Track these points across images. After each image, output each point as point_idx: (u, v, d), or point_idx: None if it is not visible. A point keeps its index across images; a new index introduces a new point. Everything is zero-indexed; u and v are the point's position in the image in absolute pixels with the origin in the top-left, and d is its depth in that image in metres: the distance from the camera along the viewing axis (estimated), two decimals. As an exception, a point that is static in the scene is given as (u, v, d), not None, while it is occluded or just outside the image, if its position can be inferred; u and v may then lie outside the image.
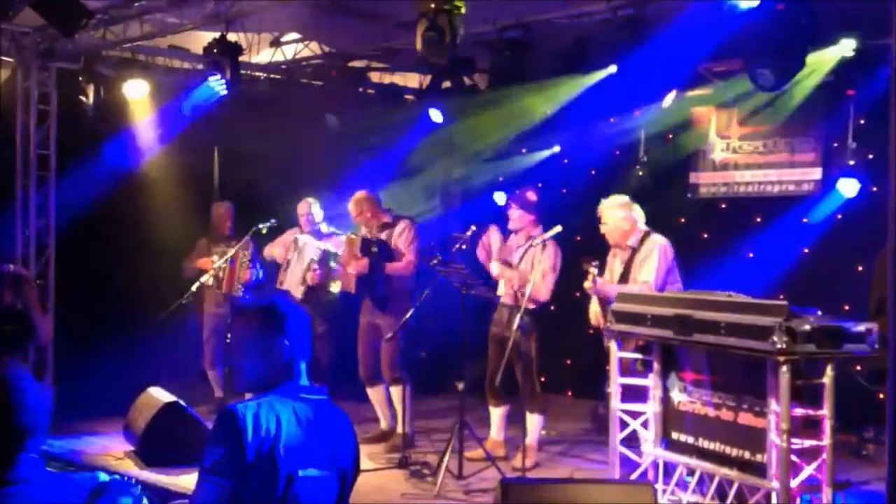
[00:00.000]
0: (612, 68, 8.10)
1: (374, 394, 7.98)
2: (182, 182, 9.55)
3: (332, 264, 8.08)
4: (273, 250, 8.48)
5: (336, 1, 7.48)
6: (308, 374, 3.16)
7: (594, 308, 6.82)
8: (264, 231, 8.49)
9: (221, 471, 2.90)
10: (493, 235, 7.51)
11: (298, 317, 3.19)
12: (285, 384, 3.10)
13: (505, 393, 7.39)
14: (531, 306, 7.01)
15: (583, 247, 7.01)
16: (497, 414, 7.53)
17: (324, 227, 8.38)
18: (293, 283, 8.11)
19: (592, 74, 8.51)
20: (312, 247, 8.13)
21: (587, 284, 6.54)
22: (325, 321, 8.13)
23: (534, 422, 7.32)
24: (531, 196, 7.43)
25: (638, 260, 6.62)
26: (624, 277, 6.65)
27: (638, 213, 6.76)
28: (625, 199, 6.81)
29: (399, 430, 7.64)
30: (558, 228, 6.84)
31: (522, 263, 7.24)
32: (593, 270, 6.47)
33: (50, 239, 8.96)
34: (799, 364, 5.11)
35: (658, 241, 6.63)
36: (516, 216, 7.40)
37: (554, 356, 8.95)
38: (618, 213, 6.71)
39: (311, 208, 8.33)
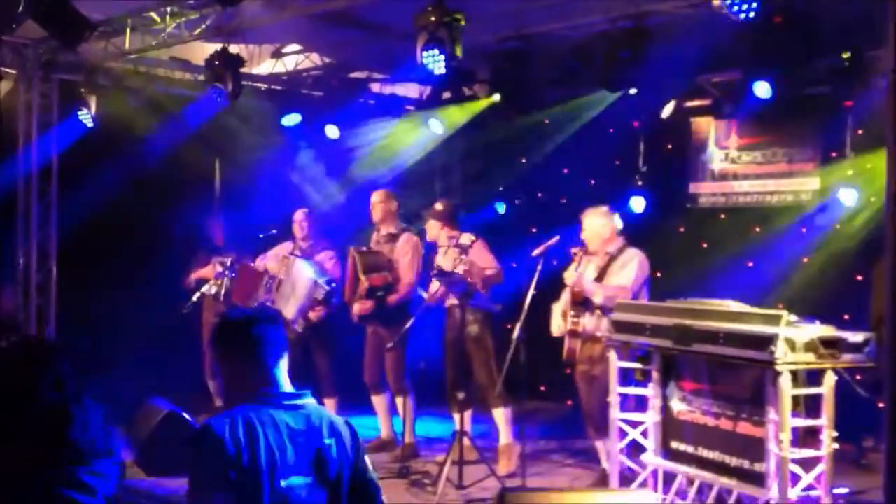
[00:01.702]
0: (612, 79, 8.14)
1: (379, 402, 8.00)
2: (183, 193, 9.59)
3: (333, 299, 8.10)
4: (267, 263, 8.48)
5: (337, 12, 7.52)
6: (290, 380, 3.10)
7: (556, 319, 6.87)
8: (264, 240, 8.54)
9: (207, 488, 2.90)
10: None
11: (268, 323, 3.12)
12: (262, 392, 3.03)
13: (471, 398, 7.50)
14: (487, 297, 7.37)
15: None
16: (464, 419, 7.54)
17: (315, 228, 8.38)
18: (288, 310, 7.94)
19: (591, 85, 8.56)
20: (308, 274, 8.04)
21: (568, 273, 6.64)
22: (322, 340, 8.18)
23: (502, 416, 7.36)
24: (439, 206, 7.76)
25: (616, 266, 6.74)
26: (598, 281, 6.73)
27: (616, 222, 6.89)
28: (604, 208, 6.95)
29: (407, 439, 7.67)
30: (556, 239, 6.88)
31: (458, 264, 7.31)
32: (580, 255, 6.66)
33: (52, 250, 8.99)
34: (798, 374, 5.14)
35: (638, 253, 6.78)
36: (429, 228, 7.70)
37: (554, 366, 8.95)
38: (598, 221, 6.86)
39: (306, 217, 8.35)
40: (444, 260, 7.49)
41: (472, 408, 7.60)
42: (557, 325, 6.88)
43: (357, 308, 7.77)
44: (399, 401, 7.79)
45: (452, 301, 7.41)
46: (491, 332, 7.46)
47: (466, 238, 7.38)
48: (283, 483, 2.94)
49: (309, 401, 3.11)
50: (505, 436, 7.39)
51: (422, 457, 7.82)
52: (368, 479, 3.15)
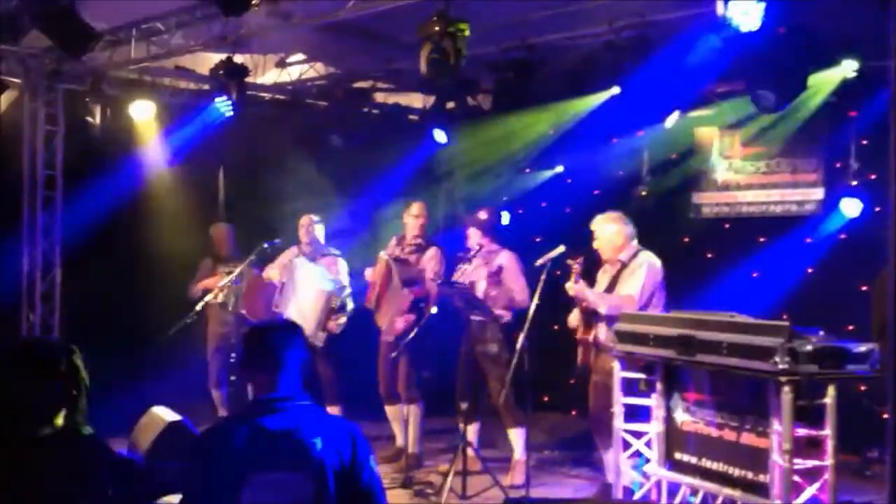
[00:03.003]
0: (616, 89, 8.17)
1: (393, 412, 8.00)
2: (188, 202, 9.61)
3: (350, 306, 8.13)
4: (271, 273, 8.50)
5: (341, 22, 7.54)
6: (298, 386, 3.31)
7: (574, 314, 6.84)
8: (269, 250, 8.55)
9: (186, 492, 3.21)
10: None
11: (258, 334, 3.43)
12: (255, 400, 3.31)
13: (479, 410, 7.47)
14: (507, 317, 7.28)
15: (585, 265, 7.04)
16: (470, 431, 7.54)
17: (321, 236, 8.40)
18: (304, 320, 7.99)
19: (596, 95, 8.58)
20: (312, 276, 8.05)
21: (568, 285, 6.59)
22: (327, 347, 8.20)
23: (517, 436, 7.34)
24: (482, 215, 7.62)
25: (626, 274, 6.65)
26: (609, 290, 6.69)
27: (630, 229, 6.82)
28: (615, 213, 6.86)
29: (410, 449, 7.67)
30: (561, 249, 6.85)
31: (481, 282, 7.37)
32: (577, 267, 6.52)
33: (56, 259, 9.01)
34: (801, 384, 5.12)
35: (649, 260, 6.65)
36: (470, 234, 7.59)
37: (559, 376, 8.95)
38: (610, 228, 6.76)
39: (312, 223, 8.37)
40: (471, 274, 7.48)
41: (480, 421, 7.60)
42: (574, 317, 6.85)
43: (401, 323, 7.70)
44: (408, 410, 7.78)
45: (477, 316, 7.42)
46: (510, 351, 7.25)
47: (503, 257, 7.39)
48: (259, 478, 3.10)
49: (300, 402, 3.27)
50: (518, 453, 7.35)
51: (426, 467, 7.81)
52: (366, 481, 3.23)
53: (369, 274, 8.01)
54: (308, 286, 8.02)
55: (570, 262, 6.53)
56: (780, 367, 4.97)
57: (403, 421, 7.85)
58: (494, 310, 7.35)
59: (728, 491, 5.56)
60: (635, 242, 6.78)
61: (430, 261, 7.80)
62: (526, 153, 10.25)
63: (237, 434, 3.18)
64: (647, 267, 6.60)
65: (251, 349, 3.37)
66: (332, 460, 3.16)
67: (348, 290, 8.16)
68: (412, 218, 7.91)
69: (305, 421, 3.21)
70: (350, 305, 8.12)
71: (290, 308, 8.02)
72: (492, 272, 7.39)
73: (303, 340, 3.41)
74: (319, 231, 8.38)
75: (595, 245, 6.80)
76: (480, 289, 7.42)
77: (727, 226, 9.36)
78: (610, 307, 6.51)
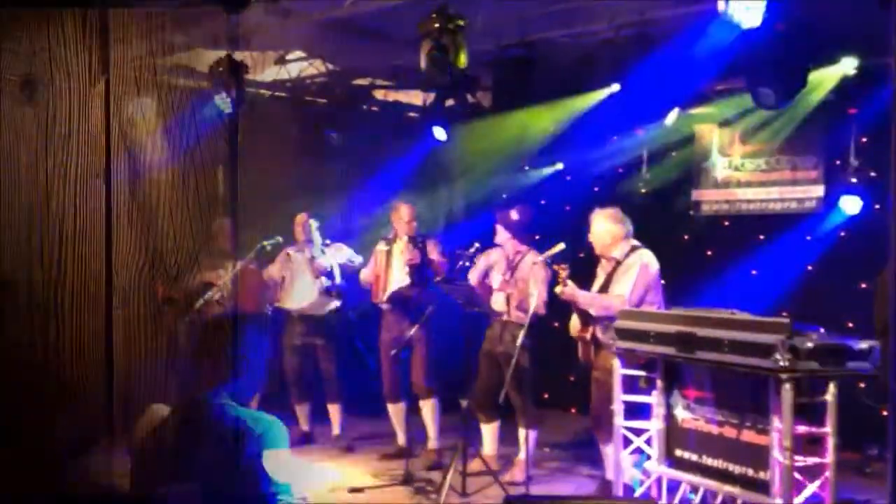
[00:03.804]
0: (615, 87, 8.16)
1: (395, 411, 8.00)
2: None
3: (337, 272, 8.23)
4: (272, 271, 8.54)
5: (341, 20, 7.53)
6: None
7: (574, 319, 6.86)
8: (269, 248, 8.55)
9: None
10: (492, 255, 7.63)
11: (213, 325, 3.51)
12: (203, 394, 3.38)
13: (497, 409, 7.42)
14: (523, 319, 7.12)
15: (586, 263, 7.05)
16: (489, 429, 7.55)
17: (317, 239, 8.42)
18: (293, 303, 8.24)
19: (595, 93, 8.57)
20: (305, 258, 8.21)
21: (558, 289, 6.59)
22: (328, 344, 8.22)
23: (526, 437, 7.34)
24: (514, 215, 7.57)
25: (619, 272, 6.66)
26: (604, 288, 6.70)
27: (624, 228, 6.81)
28: (612, 210, 6.87)
29: (430, 445, 7.71)
30: (561, 246, 6.85)
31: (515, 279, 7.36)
32: (563, 273, 6.51)
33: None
34: (802, 382, 5.12)
35: (642, 258, 6.66)
36: (498, 231, 7.56)
37: (558, 373, 8.96)
38: (603, 224, 6.78)
39: (308, 221, 8.38)
40: (493, 279, 7.49)
41: (499, 420, 7.60)
42: (574, 325, 6.87)
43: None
44: (425, 404, 7.78)
45: (502, 317, 7.40)
46: (531, 353, 7.21)
47: (530, 258, 7.33)
48: (165, 490, 3.17)
49: (225, 400, 3.27)
50: (524, 453, 7.35)
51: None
52: (255, 484, 3.17)
53: (365, 275, 8.02)
54: (304, 272, 8.19)
55: (556, 268, 6.54)
56: (781, 364, 4.97)
57: (406, 419, 7.85)
58: (510, 309, 7.35)
59: (728, 488, 5.57)
60: (631, 240, 6.79)
61: (435, 249, 7.82)
62: (525, 150, 10.23)
63: (163, 440, 3.33)
64: (639, 266, 6.61)
65: (198, 339, 3.37)
66: (217, 461, 3.14)
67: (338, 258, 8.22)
68: (404, 224, 7.92)
69: (207, 424, 3.23)
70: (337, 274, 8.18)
71: (292, 298, 8.12)
72: (512, 269, 7.39)
73: (257, 337, 3.40)
74: (316, 229, 8.40)
75: (589, 238, 6.85)
76: (496, 281, 7.43)
77: (727, 223, 9.35)
78: (600, 308, 6.55)
